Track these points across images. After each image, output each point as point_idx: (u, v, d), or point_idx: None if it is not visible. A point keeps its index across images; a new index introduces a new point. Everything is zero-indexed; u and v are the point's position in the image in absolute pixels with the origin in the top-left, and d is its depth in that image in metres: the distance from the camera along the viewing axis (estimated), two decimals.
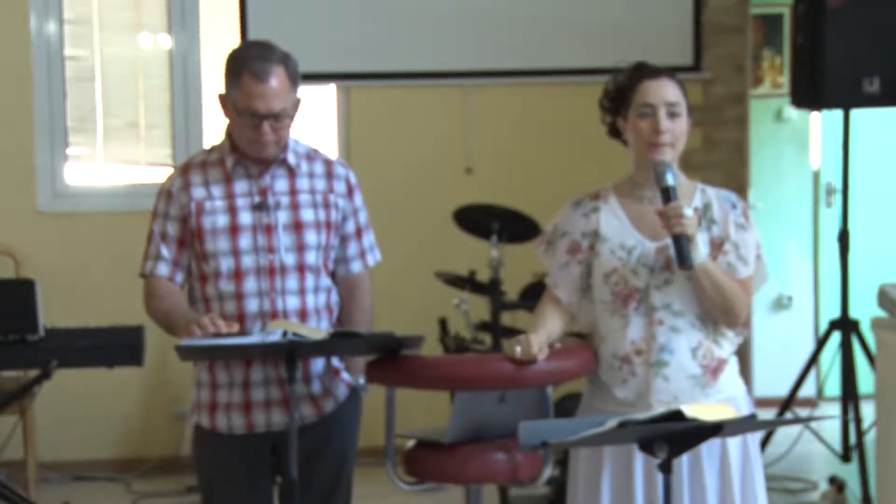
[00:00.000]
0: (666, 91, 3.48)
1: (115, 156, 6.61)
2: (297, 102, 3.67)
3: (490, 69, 6.59)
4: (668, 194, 3.43)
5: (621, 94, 3.55)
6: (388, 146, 6.63)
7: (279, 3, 6.42)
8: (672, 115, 3.48)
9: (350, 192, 3.79)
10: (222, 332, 3.46)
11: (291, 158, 3.71)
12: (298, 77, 3.66)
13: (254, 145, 3.62)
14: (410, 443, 3.86)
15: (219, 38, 6.58)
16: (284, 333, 3.47)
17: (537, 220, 5.38)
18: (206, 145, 3.98)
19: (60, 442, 6.41)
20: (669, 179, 3.43)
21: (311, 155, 3.78)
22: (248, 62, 3.58)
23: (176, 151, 6.52)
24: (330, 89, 6.68)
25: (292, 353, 3.48)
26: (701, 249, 3.45)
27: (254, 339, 3.53)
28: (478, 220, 5.54)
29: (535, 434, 2.90)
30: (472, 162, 6.65)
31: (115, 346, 4.86)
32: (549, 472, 3.73)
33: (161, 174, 6.55)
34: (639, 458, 3.46)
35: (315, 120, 6.78)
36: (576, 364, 3.56)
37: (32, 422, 6.04)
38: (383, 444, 3.70)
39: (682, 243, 3.39)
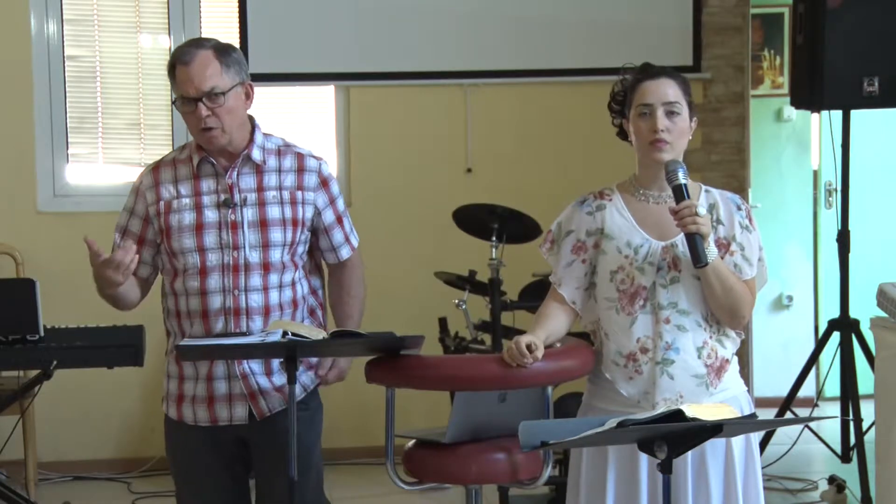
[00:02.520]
0: (663, 90, 3.50)
1: (115, 156, 6.61)
2: (240, 88, 3.70)
3: (490, 69, 6.59)
4: (680, 192, 3.44)
5: (625, 96, 3.57)
6: (388, 146, 6.63)
7: (279, 3, 6.42)
8: (670, 113, 3.49)
9: (324, 184, 3.82)
10: (92, 248, 3.59)
11: (257, 154, 3.74)
12: (236, 63, 3.71)
13: (201, 135, 3.69)
14: (410, 443, 3.86)
15: (219, 38, 6.56)
16: (284, 333, 3.48)
17: (537, 220, 5.38)
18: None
19: (60, 442, 6.41)
20: (682, 178, 3.45)
21: (282, 150, 3.80)
22: (176, 55, 3.72)
23: None
24: (329, 89, 6.68)
25: (292, 352, 3.49)
26: (712, 248, 3.46)
27: (254, 339, 3.55)
28: (478, 220, 5.54)
29: (535, 434, 2.90)
30: (472, 162, 6.65)
31: (115, 346, 4.87)
32: (549, 472, 3.73)
33: None
34: (643, 459, 3.46)
35: (315, 120, 6.78)
36: (576, 364, 3.56)
37: (32, 422, 6.04)
38: (383, 444, 3.70)
39: (696, 241, 3.41)
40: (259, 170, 3.74)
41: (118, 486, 6.33)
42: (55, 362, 4.80)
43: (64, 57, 6.46)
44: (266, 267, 3.72)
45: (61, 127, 6.46)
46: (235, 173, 3.73)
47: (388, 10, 6.50)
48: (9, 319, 4.81)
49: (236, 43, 6.40)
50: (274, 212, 3.73)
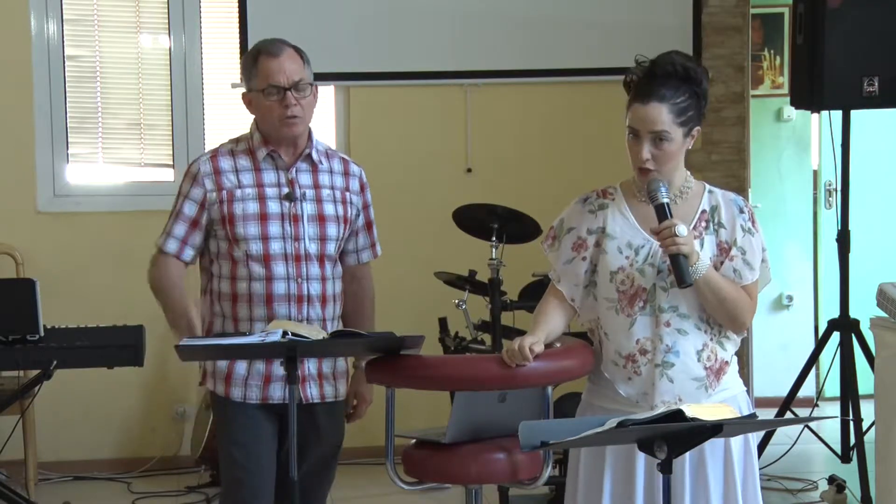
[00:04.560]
0: (652, 119, 3.44)
1: (115, 156, 6.61)
2: (314, 85, 3.93)
3: (490, 69, 6.59)
4: (663, 211, 3.43)
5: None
6: (388, 146, 6.63)
7: (279, 3, 6.42)
8: (658, 140, 3.45)
9: (362, 189, 4.10)
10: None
11: (315, 154, 3.97)
12: (310, 66, 3.94)
13: (284, 123, 3.87)
14: (410, 443, 3.86)
15: (219, 38, 6.58)
16: (284, 333, 3.48)
17: (537, 220, 5.38)
18: (209, 145, 4.10)
19: (60, 442, 6.41)
20: (662, 197, 3.43)
21: (329, 153, 4.05)
22: (260, 48, 3.92)
23: (176, 151, 6.51)
24: (329, 89, 6.68)
25: (292, 353, 3.49)
26: (703, 261, 3.45)
27: (254, 338, 3.55)
28: (478, 220, 5.53)
29: (535, 434, 2.90)
30: (472, 162, 6.65)
31: (115, 346, 4.87)
32: (549, 472, 3.73)
33: (161, 174, 6.59)
34: (640, 458, 3.46)
35: (315, 120, 6.77)
36: (576, 364, 3.56)
37: (32, 422, 6.04)
38: (383, 444, 3.70)
39: (679, 262, 3.40)
40: (315, 168, 3.96)
41: (118, 486, 6.33)
42: (55, 362, 4.80)
43: (64, 57, 6.46)
44: (322, 259, 3.93)
45: (61, 127, 6.46)
46: (295, 170, 3.92)
47: (388, 10, 6.50)
48: (9, 319, 4.82)
49: (236, 43, 6.41)
50: (329, 208, 3.95)
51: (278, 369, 3.82)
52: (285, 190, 3.90)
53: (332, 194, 3.96)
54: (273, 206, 3.89)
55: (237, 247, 3.87)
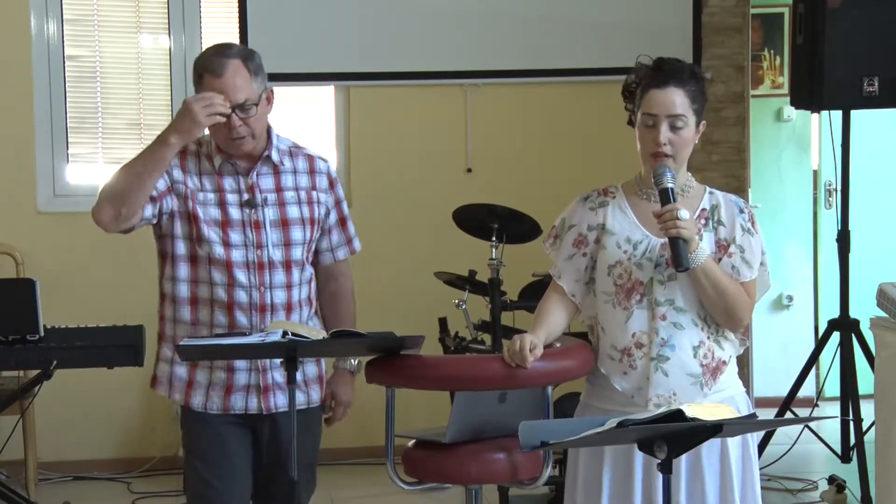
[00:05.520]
0: (670, 102, 3.49)
1: (115, 156, 6.60)
2: (264, 94, 3.77)
3: (490, 69, 6.59)
4: (666, 196, 3.46)
5: (633, 93, 3.57)
6: (388, 146, 6.63)
7: (279, 4, 6.42)
8: (674, 126, 3.50)
9: (331, 186, 3.92)
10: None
11: (275, 155, 3.83)
12: (260, 69, 3.77)
13: (231, 143, 3.74)
14: (410, 443, 3.86)
15: (219, 38, 6.57)
16: (284, 333, 3.48)
17: (537, 220, 5.38)
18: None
19: (60, 442, 6.41)
20: (668, 181, 3.47)
21: (293, 151, 3.90)
22: (204, 63, 3.74)
23: None
24: (329, 89, 6.68)
25: (292, 353, 3.49)
26: (703, 250, 3.47)
27: (254, 338, 3.55)
28: (478, 220, 5.53)
29: (535, 434, 2.90)
30: (472, 162, 6.65)
31: (115, 346, 4.87)
32: (549, 472, 3.73)
33: None
34: (639, 458, 3.47)
35: (315, 120, 6.78)
36: (576, 364, 3.57)
37: (32, 422, 6.03)
38: (383, 444, 3.70)
39: (677, 245, 3.43)
40: (277, 170, 3.83)
41: (118, 486, 6.33)
42: (55, 362, 4.80)
43: (64, 57, 6.46)
44: (288, 265, 3.80)
45: (61, 127, 6.46)
46: (255, 174, 3.80)
47: (388, 10, 6.50)
48: (9, 319, 4.81)
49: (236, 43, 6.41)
50: (293, 211, 3.82)
51: (240, 379, 3.77)
52: (245, 196, 3.78)
53: (296, 196, 3.83)
54: (234, 213, 3.76)
55: (200, 248, 3.76)
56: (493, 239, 5.42)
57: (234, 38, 6.41)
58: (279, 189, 3.82)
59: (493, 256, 5.44)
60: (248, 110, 3.71)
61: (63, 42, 6.45)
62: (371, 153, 6.63)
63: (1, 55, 6.35)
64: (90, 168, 6.60)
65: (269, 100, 3.80)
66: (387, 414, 3.70)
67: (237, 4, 6.41)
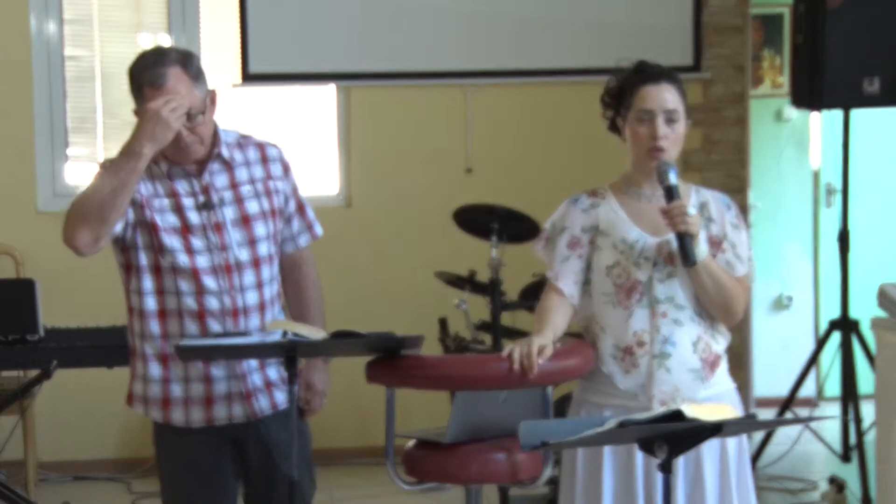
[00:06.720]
0: (664, 98, 3.53)
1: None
2: (208, 96, 3.62)
3: (490, 69, 6.59)
4: (671, 193, 3.49)
5: (622, 93, 3.60)
6: (388, 146, 6.63)
7: (279, 3, 6.42)
8: (669, 121, 3.53)
9: (286, 172, 3.78)
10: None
11: (225, 152, 3.68)
12: (201, 72, 3.62)
13: (179, 152, 3.61)
14: (410, 443, 3.86)
15: (219, 38, 6.58)
16: (284, 333, 3.48)
17: (537, 220, 5.37)
18: None
19: (60, 442, 6.41)
20: (672, 178, 3.49)
21: (242, 142, 3.75)
22: (142, 74, 3.57)
23: None
24: (330, 89, 6.68)
25: (292, 352, 3.49)
26: (703, 247, 3.49)
27: (253, 338, 3.54)
28: (478, 220, 5.53)
29: (535, 434, 2.90)
30: (472, 162, 6.65)
31: (115, 346, 4.86)
32: (549, 472, 3.73)
33: None
34: (639, 458, 3.48)
35: (315, 120, 6.78)
36: (577, 364, 3.57)
37: (32, 422, 6.03)
38: (383, 444, 3.70)
39: (686, 241, 3.46)
40: (229, 166, 3.69)
41: (118, 486, 6.33)
42: (55, 362, 4.80)
43: (64, 57, 6.46)
44: (256, 263, 3.68)
45: (61, 127, 6.47)
46: (208, 173, 3.66)
47: (388, 11, 6.50)
48: (9, 319, 4.81)
49: (237, 43, 6.41)
50: (252, 206, 3.69)
51: (220, 388, 3.67)
52: (201, 199, 3.63)
53: (252, 189, 3.68)
54: (193, 217, 3.61)
55: (163, 257, 3.61)
56: (493, 239, 5.42)
57: (235, 39, 6.41)
58: (234, 185, 3.67)
59: (493, 256, 5.44)
60: (195, 118, 3.56)
61: (63, 42, 6.45)
62: (371, 153, 6.64)
63: (1, 55, 6.35)
64: (90, 168, 6.59)
65: (214, 101, 3.65)
66: (387, 414, 3.69)
67: (237, 4, 6.41)
